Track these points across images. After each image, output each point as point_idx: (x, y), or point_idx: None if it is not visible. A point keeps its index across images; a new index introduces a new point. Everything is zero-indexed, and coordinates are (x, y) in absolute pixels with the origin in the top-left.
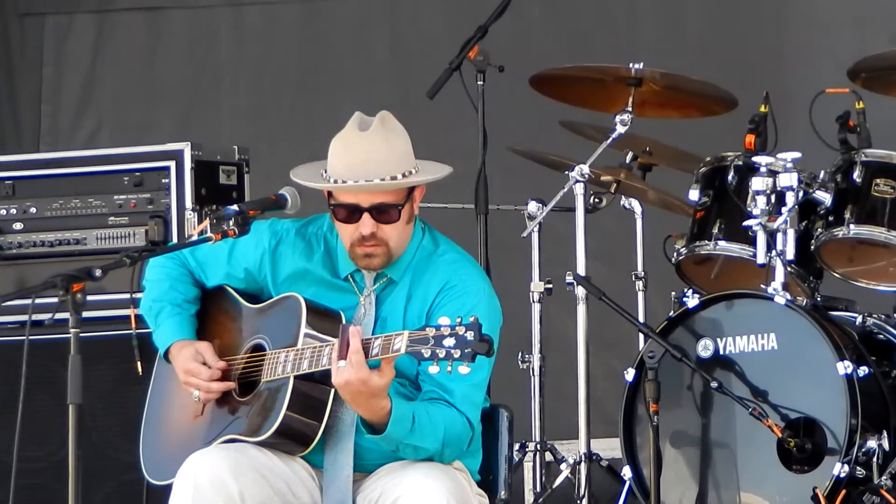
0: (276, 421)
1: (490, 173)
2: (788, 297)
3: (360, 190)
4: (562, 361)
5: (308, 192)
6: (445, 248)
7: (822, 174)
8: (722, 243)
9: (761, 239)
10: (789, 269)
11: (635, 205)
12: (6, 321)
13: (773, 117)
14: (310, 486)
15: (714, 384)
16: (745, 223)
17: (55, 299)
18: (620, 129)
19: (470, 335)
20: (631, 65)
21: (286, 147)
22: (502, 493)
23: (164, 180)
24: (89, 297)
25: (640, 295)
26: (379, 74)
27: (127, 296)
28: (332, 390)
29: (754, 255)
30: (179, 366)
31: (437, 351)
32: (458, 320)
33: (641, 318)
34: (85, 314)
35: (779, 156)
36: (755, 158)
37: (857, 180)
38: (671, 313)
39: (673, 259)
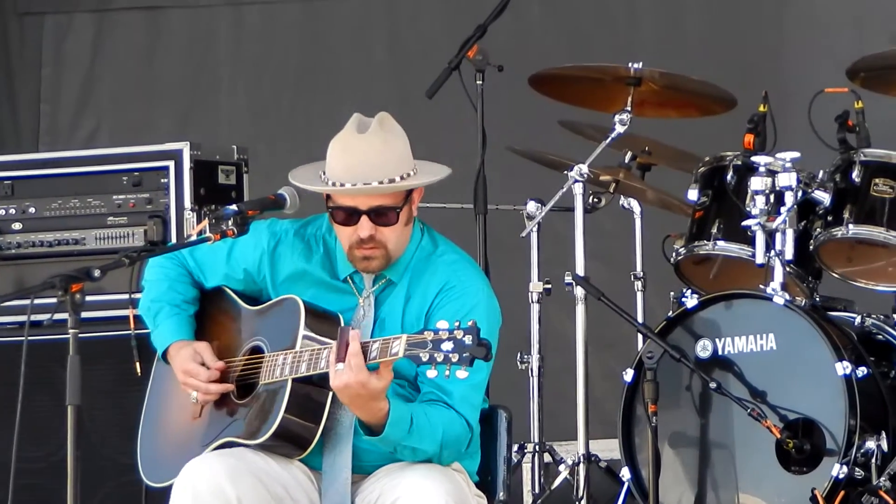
0: (273, 423)
1: (489, 173)
2: (787, 297)
3: (358, 193)
4: (560, 362)
5: (307, 192)
6: (444, 249)
7: (820, 174)
8: (721, 243)
9: (760, 239)
10: (788, 269)
11: (634, 205)
12: (5, 321)
13: (772, 117)
14: (308, 489)
15: (713, 385)
16: (744, 223)
17: (54, 300)
18: (619, 129)
19: (468, 339)
20: (630, 64)
21: (285, 147)
22: (501, 494)
23: (162, 180)
24: (88, 298)
25: (639, 295)
26: (378, 74)
27: (126, 296)
28: (331, 392)
29: (753, 255)
30: (178, 366)
31: (436, 355)
32: (457, 324)
33: (640, 319)
34: (84, 314)
35: (778, 155)
36: (754, 158)
37: (856, 180)
38: (670, 313)
39: (672, 259)
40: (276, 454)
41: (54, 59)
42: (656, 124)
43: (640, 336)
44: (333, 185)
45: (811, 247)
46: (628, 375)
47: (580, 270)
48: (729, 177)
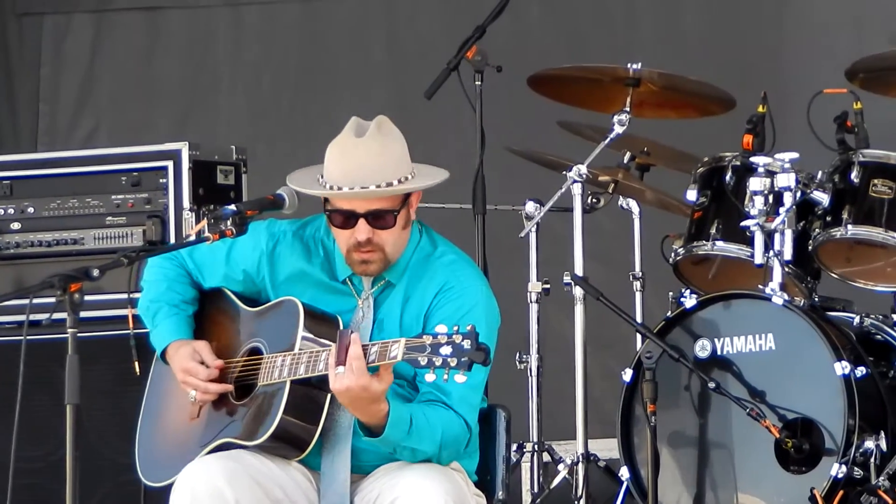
0: (272, 425)
1: (488, 173)
2: (786, 297)
3: (355, 197)
4: (559, 362)
5: (305, 194)
6: (443, 250)
7: (819, 174)
8: (719, 243)
9: (759, 239)
10: (787, 269)
11: (633, 205)
12: (4, 321)
13: (771, 118)
14: (306, 490)
15: (711, 385)
16: (743, 223)
17: (53, 299)
18: (618, 130)
19: (467, 344)
20: (629, 65)
21: (284, 147)
22: (500, 493)
23: (161, 180)
24: (87, 297)
25: (638, 295)
26: (377, 75)
27: (124, 296)
28: (329, 394)
29: (752, 256)
30: (177, 365)
31: (434, 359)
32: (456, 328)
33: (639, 319)
34: (82, 314)
35: (776, 156)
36: (753, 159)
37: (855, 181)
38: (669, 313)
39: (670, 259)
40: (275, 455)
41: (53, 60)
42: (655, 125)
43: (638, 336)
44: (331, 188)
45: (810, 247)
46: (627, 375)
47: (579, 270)
48: (728, 177)
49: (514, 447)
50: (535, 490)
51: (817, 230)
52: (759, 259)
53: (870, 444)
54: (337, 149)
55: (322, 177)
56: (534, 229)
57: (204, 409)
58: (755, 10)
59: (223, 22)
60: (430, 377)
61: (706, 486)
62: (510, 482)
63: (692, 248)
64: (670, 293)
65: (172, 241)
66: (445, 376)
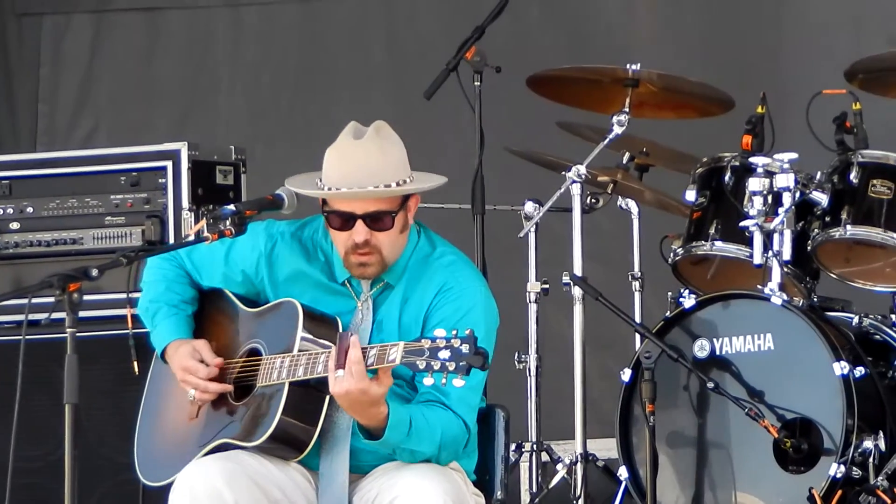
0: (270, 426)
1: (487, 174)
2: (785, 297)
3: (353, 197)
4: (558, 362)
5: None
6: (442, 251)
7: (818, 175)
8: (718, 244)
9: (758, 239)
10: (786, 269)
11: (632, 205)
12: (3, 321)
13: (770, 118)
14: (305, 490)
15: (710, 385)
16: (742, 224)
17: (52, 299)
18: (617, 130)
19: (465, 348)
20: (628, 66)
21: (283, 147)
22: (499, 493)
23: (160, 180)
24: (86, 297)
25: (637, 295)
26: (376, 75)
27: (123, 295)
28: (328, 395)
29: (751, 256)
30: (176, 363)
31: (432, 363)
32: (454, 332)
33: (638, 319)
34: (81, 314)
35: (776, 156)
36: (752, 159)
37: (854, 181)
38: (667, 314)
39: (669, 259)
40: (274, 456)
41: (52, 60)
42: (654, 125)
43: (637, 336)
44: (329, 189)
45: (809, 247)
46: (626, 375)
47: (578, 271)
48: (727, 178)
49: (512, 447)
50: (534, 490)
51: (816, 230)
52: (757, 259)
53: (868, 444)
54: (335, 151)
55: (320, 180)
56: (533, 229)
57: (203, 410)
58: (754, 11)
59: (222, 22)
60: (428, 381)
61: (705, 486)
62: (509, 482)
63: (691, 248)
64: (669, 293)
65: (171, 241)
66: (444, 380)
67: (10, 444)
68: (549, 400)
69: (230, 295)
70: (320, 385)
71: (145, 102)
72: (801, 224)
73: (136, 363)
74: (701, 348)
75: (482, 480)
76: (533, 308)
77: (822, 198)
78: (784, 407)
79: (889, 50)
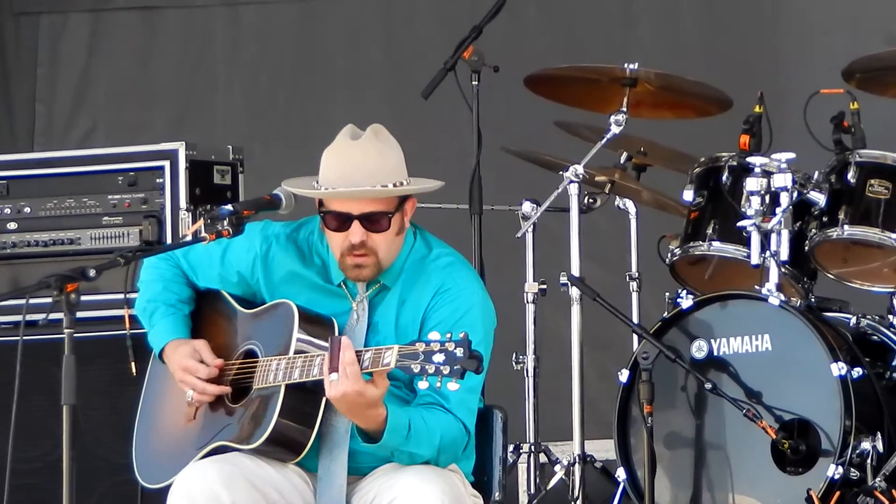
0: (267, 428)
1: (484, 173)
2: (782, 297)
3: (350, 196)
4: (556, 362)
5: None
6: (439, 252)
7: (816, 175)
8: (716, 244)
9: (755, 240)
10: (783, 269)
11: (629, 205)
12: (0, 321)
13: (768, 118)
14: (303, 492)
15: (708, 385)
16: (740, 224)
17: (49, 299)
18: (615, 130)
19: (459, 352)
20: (626, 65)
21: (281, 147)
22: (497, 494)
23: (158, 180)
24: (83, 298)
25: (634, 296)
26: (374, 74)
27: (121, 296)
28: (324, 398)
29: (748, 256)
30: (176, 363)
31: (427, 367)
32: (449, 336)
33: (635, 319)
34: (79, 314)
35: (773, 156)
36: (749, 159)
37: (852, 181)
38: (665, 314)
39: (667, 260)
40: (271, 458)
41: (50, 59)
42: (652, 125)
43: (635, 336)
44: (326, 189)
45: (806, 248)
46: (624, 376)
47: (575, 271)
48: (724, 177)
49: (510, 448)
50: (532, 491)
51: (814, 230)
52: (755, 259)
53: (866, 444)
54: (332, 152)
55: (317, 182)
56: (530, 229)
57: (200, 411)
58: (752, 11)
59: (220, 22)
60: (423, 385)
61: (703, 487)
62: (507, 483)
63: (689, 248)
64: (667, 294)
65: (169, 241)
66: (438, 384)
67: (7, 444)
68: (547, 401)
69: (226, 296)
70: (317, 387)
71: (143, 102)
72: (798, 224)
73: (133, 364)
74: (699, 349)
75: (480, 481)
76: (530, 308)
77: (819, 198)
78: (782, 408)
79: (886, 49)
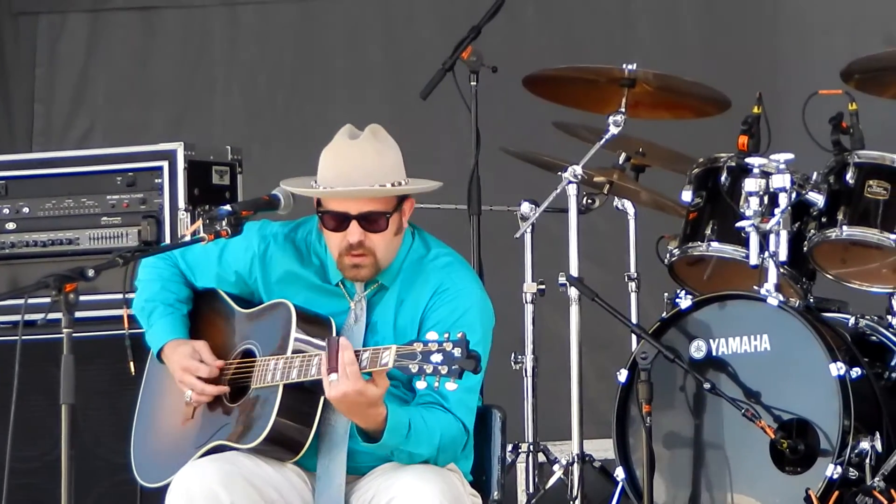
0: (266, 428)
1: (483, 174)
2: (781, 298)
3: (348, 196)
4: (555, 362)
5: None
6: (437, 252)
7: (814, 175)
8: (715, 244)
9: (754, 240)
10: (782, 270)
11: (628, 206)
12: None
13: (767, 118)
14: (302, 491)
15: (707, 385)
16: (738, 224)
17: (48, 299)
18: (613, 130)
19: (457, 352)
20: (624, 66)
21: (279, 147)
22: (495, 493)
23: (156, 180)
24: (82, 298)
25: (633, 296)
26: (372, 75)
27: (120, 296)
28: (322, 397)
29: (747, 257)
30: (176, 363)
31: (425, 367)
32: (446, 336)
33: (634, 319)
34: (77, 314)
35: (772, 157)
36: (748, 160)
37: (850, 182)
38: (664, 314)
39: (665, 260)
40: (269, 458)
41: (48, 59)
42: (650, 126)
43: (633, 337)
44: (324, 189)
45: (805, 248)
46: (622, 376)
47: (574, 271)
48: (723, 178)
49: (509, 448)
50: (531, 490)
51: (812, 231)
52: (754, 260)
53: (865, 444)
54: (331, 152)
55: (315, 182)
56: (529, 230)
57: (198, 411)
58: (750, 11)
59: (219, 22)
60: (421, 385)
61: (701, 487)
62: (505, 483)
63: (687, 248)
64: (665, 294)
65: (167, 241)
66: (436, 384)
67: (6, 444)
68: (546, 400)
69: (224, 295)
70: (315, 387)
71: (141, 102)
72: (797, 225)
73: (132, 363)
74: (697, 349)
75: (479, 481)
76: (529, 309)
77: (818, 198)
78: (780, 408)
79: (885, 50)
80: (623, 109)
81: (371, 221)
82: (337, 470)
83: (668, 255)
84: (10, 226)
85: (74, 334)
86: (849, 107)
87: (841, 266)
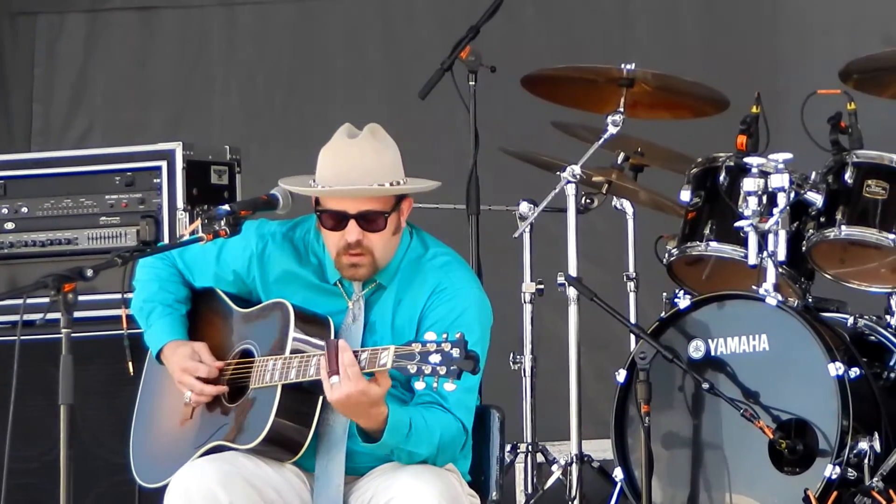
0: (264, 428)
1: (482, 174)
2: (780, 298)
3: (347, 195)
4: (553, 362)
5: (299, 195)
6: (435, 251)
7: (813, 175)
8: (713, 244)
9: (752, 240)
10: (781, 270)
11: (627, 205)
12: None
13: (765, 118)
14: (300, 491)
15: (705, 385)
16: (737, 224)
17: (46, 299)
18: (612, 130)
19: (455, 352)
20: (623, 65)
21: (278, 147)
22: (494, 493)
23: (155, 180)
24: (80, 297)
25: (632, 296)
26: (371, 74)
27: (118, 296)
28: (321, 397)
29: (746, 256)
30: (175, 364)
31: (423, 367)
32: (445, 336)
33: (633, 319)
34: (76, 314)
35: (770, 157)
36: (747, 159)
37: (849, 181)
38: (662, 314)
39: (664, 260)
40: (268, 458)
41: (47, 59)
42: (649, 125)
43: (632, 337)
44: (323, 188)
45: (804, 248)
46: (621, 376)
47: (573, 271)
48: (721, 178)
49: (507, 448)
50: (529, 491)
51: (811, 231)
52: (752, 260)
53: (863, 445)
54: (329, 151)
55: (314, 181)
56: (528, 230)
57: (197, 411)
58: (749, 11)
59: (217, 22)
60: (419, 385)
61: (700, 487)
62: (504, 483)
63: (686, 248)
64: (664, 294)
65: (166, 241)
66: (435, 384)
67: (5, 444)
68: (545, 400)
69: (222, 295)
70: (313, 387)
71: (140, 102)
72: (795, 224)
73: (131, 363)
74: (696, 349)
75: (477, 481)
76: (528, 308)
77: (816, 198)
78: (779, 408)
79: (884, 50)
80: (622, 109)
81: (369, 221)
82: (335, 470)
83: (666, 255)
84: (9, 226)
85: (73, 334)
86: (847, 106)
87: (839, 266)
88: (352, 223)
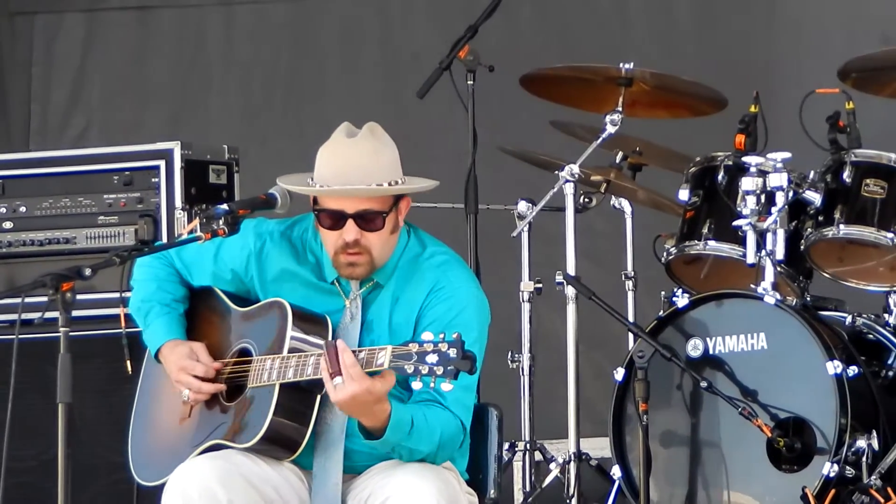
0: (262, 427)
1: (480, 173)
2: (778, 296)
3: (345, 195)
4: (551, 361)
5: (297, 194)
6: (433, 250)
7: (811, 174)
8: (712, 243)
9: (751, 239)
10: (779, 268)
11: (625, 205)
12: None
13: (763, 117)
14: (298, 489)
15: (703, 384)
16: (735, 223)
17: (45, 298)
18: (610, 129)
19: (452, 352)
20: (621, 65)
21: (276, 146)
22: (492, 492)
23: (153, 179)
24: (79, 297)
25: (630, 294)
26: (369, 74)
27: (116, 295)
28: (318, 396)
29: (744, 255)
30: (173, 363)
31: (420, 367)
32: (442, 336)
33: (631, 318)
34: (74, 313)
35: (769, 156)
36: (745, 158)
37: (847, 180)
38: (661, 313)
39: (663, 259)
40: (266, 456)
41: (45, 59)
42: (647, 125)
43: (630, 335)
44: (321, 187)
45: (802, 247)
46: (619, 374)
47: (571, 270)
48: (720, 177)
49: (505, 446)
50: (527, 489)
51: (809, 230)
52: (751, 258)
53: (861, 443)
54: (328, 150)
55: (312, 179)
56: (526, 229)
57: (195, 410)
58: (747, 10)
59: (215, 21)
60: (416, 385)
61: (698, 485)
62: (502, 481)
63: (684, 247)
64: (662, 293)
65: (164, 240)
66: (432, 384)
67: (3, 443)
68: (543, 399)
69: (220, 294)
70: (311, 386)
71: (138, 101)
72: (794, 223)
73: (129, 362)
74: (694, 347)
75: (475, 479)
76: (526, 307)
77: (815, 197)
78: (777, 406)
79: (881, 49)
80: (620, 108)
81: (367, 220)
82: (333, 468)
83: (665, 254)
84: (7, 225)
85: (71, 333)
86: (846, 105)
87: (838, 264)
88: (350, 222)
